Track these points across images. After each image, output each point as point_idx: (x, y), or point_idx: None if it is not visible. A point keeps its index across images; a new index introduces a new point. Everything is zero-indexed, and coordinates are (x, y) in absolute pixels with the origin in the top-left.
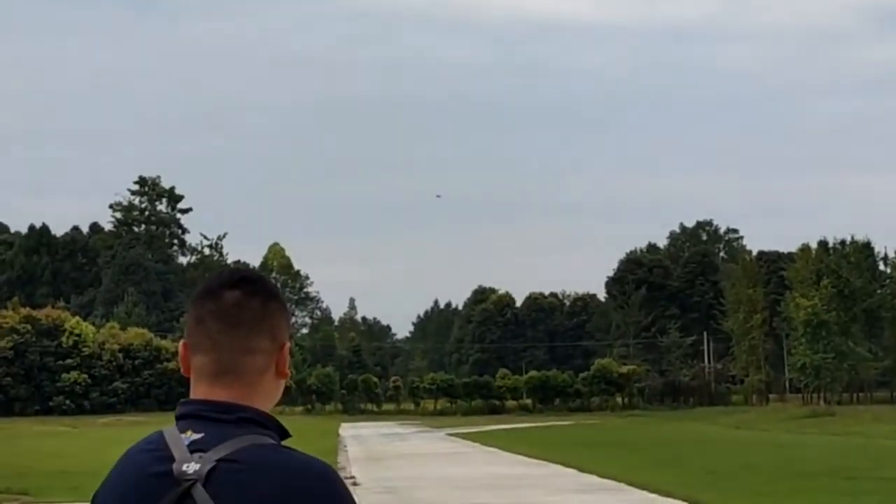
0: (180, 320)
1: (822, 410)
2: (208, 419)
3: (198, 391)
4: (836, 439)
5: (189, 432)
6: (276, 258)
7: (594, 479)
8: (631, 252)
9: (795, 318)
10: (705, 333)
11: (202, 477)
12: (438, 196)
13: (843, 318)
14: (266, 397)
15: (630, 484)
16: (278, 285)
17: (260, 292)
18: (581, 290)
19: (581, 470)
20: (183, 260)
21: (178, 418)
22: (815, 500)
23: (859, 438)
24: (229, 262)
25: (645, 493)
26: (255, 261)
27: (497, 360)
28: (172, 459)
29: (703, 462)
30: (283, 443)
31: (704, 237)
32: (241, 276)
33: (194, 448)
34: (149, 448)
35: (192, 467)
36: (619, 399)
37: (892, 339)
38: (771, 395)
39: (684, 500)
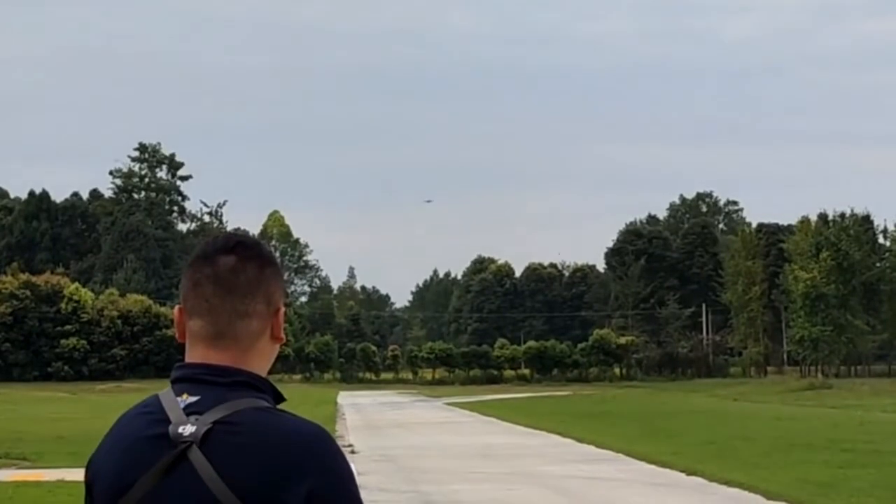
0: (179, 287)
1: (819, 383)
2: (204, 382)
3: (193, 355)
4: (834, 412)
5: (185, 395)
6: (276, 226)
7: (592, 449)
8: (630, 223)
9: (794, 290)
10: (704, 305)
11: (198, 439)
12: (428, 201)
13: (841, 290)
14: (261, 361)
15: (628, 454)
16: (277, 254)
17: (255, 257)
18: (580, 261)
19: (579, 440)
20: (183, 227)
21: (173, 382)
22: (811, 471)
23: (856, 411)
24: (229, 229)
25: (643, 463)
26: (254, 228)
27: (495, 329)
28: (168, 422)
29: (701, 433)
30: (278, 407)
31: (704, 209)
32: (237, 241)
33: (190, 411)
34: (145, 411)
35: (188, 429)
36: (616, 370)
37: (891, 313)
38: (769, 368)
39: (682, 470)
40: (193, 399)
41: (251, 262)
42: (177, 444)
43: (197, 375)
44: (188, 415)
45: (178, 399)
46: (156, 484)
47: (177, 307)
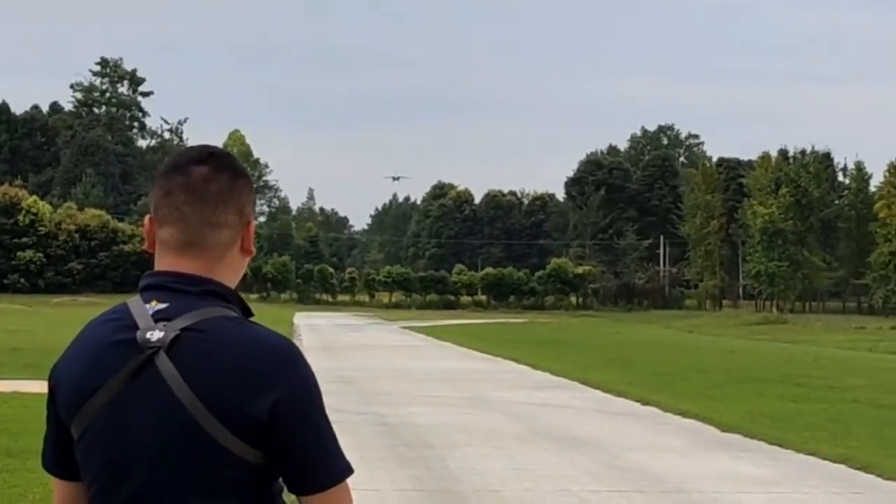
0: (138, 203)
1: (774, 318)
2: (173, 290)
3: (163, 263)
4: (788, 347)
5: (154, 302)
6: (236, 145)
7: (548, 376)
8: (591, 153)
9: (752, 225)
10: (662, 237)
11: (166, 344)
12: (395, 179)
13: (799, 227)
14: (231, 272)
15: (583, 382)
16: None
17: (228, 168)
18: (540, 190)
19: (534, 367)
20: (143, 143)
21: (142, 289)
22: (765, 405)
23: (810, 347)
24: (189, 146)
25: (598, 392)
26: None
27: (453, 255)
28: (136, 328)
29: (656, 364)
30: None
31: (665, 141)
32: (210, 152)
33: (159, 317)
34: (112, 318)
35: (155, 335)
36: (573, 299)
37: (847, 250)
38: (724, 301)
39: (637, 400)
40: (162, 306)
41: (223, 173)
42: (144, 350)
43: (166, 283)
44: (156, 321)
45: (147, 306)
46: (121, 389)
47: (147, 217)
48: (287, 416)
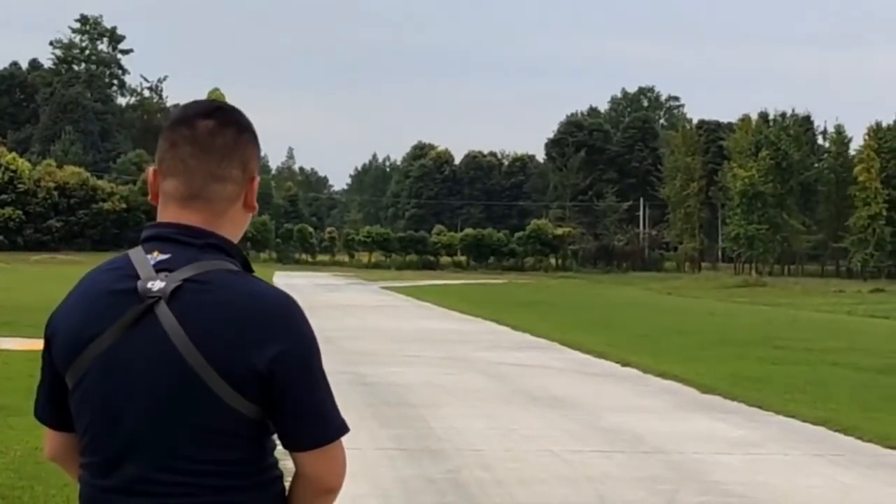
0: (117, 161)
1: (753, 280)
2: (176, 241)
3: (166, 215)
4: (766, 309)
5: (155, 253)
6: None
7: (527, 337)
8: (571, 115)
9: (732, 188)
10: (642, 199)
11: (166, 295)
12: None
13: (778, 190)
14: (233, 227)
15: (563, 343)
16: None
17: (234, 123)
18: (520, 151)
19: (514, 328)
20: (122, 101)
21: (144, 241)
22: (745, 367)
23: (789, 309)
24: (168, 105)
25: (577, 353)
26: None
27: (433, 216)
28: (137, 278)
29: (635, 326)
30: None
31: (645, 103)
32: (217, 106)
33: (160, 268)
34: (113, 268)
35: (156, 285)
36: (552, 260)
37: (826, 214)
38: (703, 264)
39: (617, 361)
40: (164, 257)
41: (229, 127)
42: (144, 299)
43: (169, 234)
44: (158, 272)
45: (149, 256)
46: (119, 337)
47: (151, 169)
48: (285, 369)
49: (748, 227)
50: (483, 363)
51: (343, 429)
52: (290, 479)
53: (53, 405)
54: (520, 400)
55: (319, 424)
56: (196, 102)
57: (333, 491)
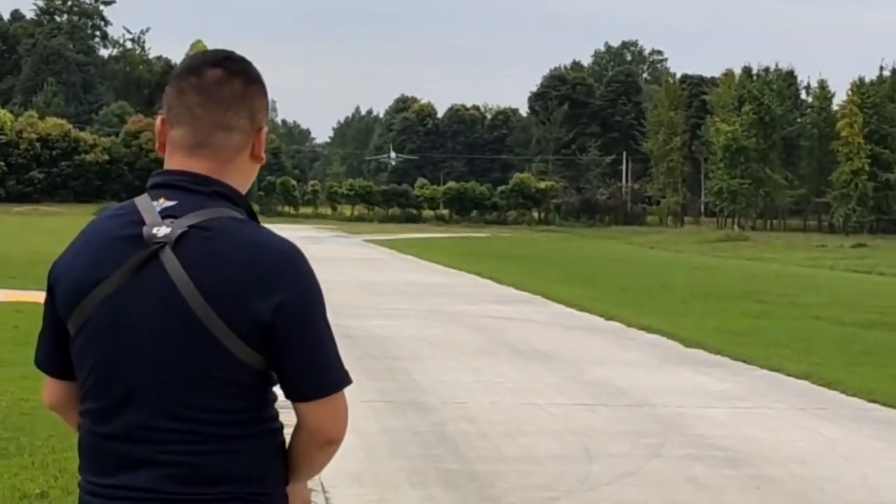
0: (99, 113)
1: (735, 235)
2: (182, 189)
3: (172, 162)
4: (749, 264)
5: (162, 200)
6: None
7: (511, 290)
8: (555, 69)
9: (715, 142)
10: (625, 153)
11: (172, 241)
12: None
13: (761, 144)
14: (240, 177)
15: (546, 297)
16: None
17: (242, 73)
18: (503, 104)
19: (498, 281)
20: (104, 52)
21: (150, 188)
22: (729, 321)
23: (772, 264)
24: (151, 56)
25: (561, 306)
26: (177, 57)
27: (416, 169)
28: (143, 224)
29: (618, 280)
30: None
31: (629, 57)
32: (226, 56)
33: (166, 214)
34: (118, 214)
35: (161, 231)
36: (535, 214)
37: (809, 169)
38: (686, 218)
39: (600, 315)
40: (170, 203)
41: (238, 77)
42: (149, 245)
43: (175, 182)
44: (164, 218)
45: (154, 203)
46: (123, 283)
47: (159, 118)
48: (290, 318)
49: (731, 181)
50: (466, 316)
51: (346, 380)
52: (290, 431)
53: (55, 353)
54: (504, 353)
55: (322, 374)
56: (206, 51)
57: (335, 442)
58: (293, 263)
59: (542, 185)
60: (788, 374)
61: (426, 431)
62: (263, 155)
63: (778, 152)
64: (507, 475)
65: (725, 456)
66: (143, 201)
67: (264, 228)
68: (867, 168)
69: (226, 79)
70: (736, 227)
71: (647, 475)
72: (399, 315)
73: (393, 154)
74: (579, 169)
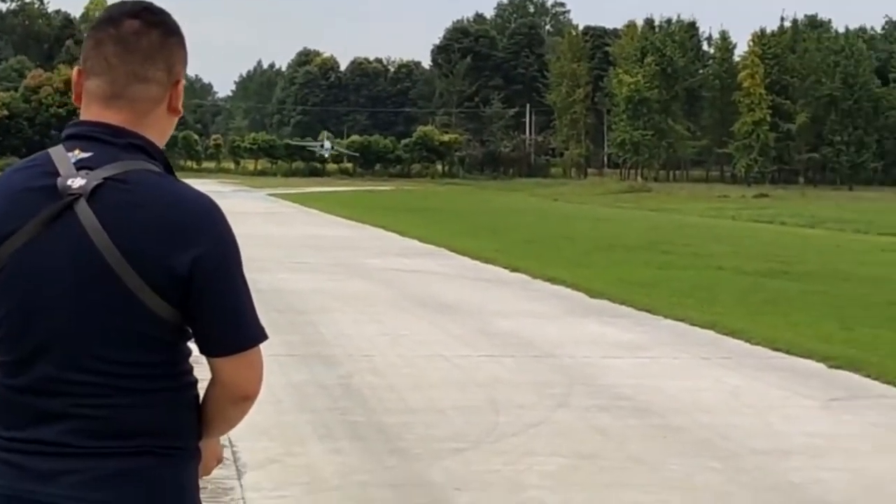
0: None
1: (638, 186)
2: (98, 140)
3: (88, 113)
4: (652, 215)
5: (77, 151)
6: (97, 9)
7: (415, 243)
8: (457, 21)
9: (618, 94)
10: (528, 106)
11: (87, 192)
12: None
13: (664, 96)
14: (156, 130)
15: (451, 249)
16: None
17: (161, 24)
18: (406, 57)
19: (402, 234)
20: (2, 6)
21: (65, 139)
22: (633, 271)
23: (675, 215)
24: (50, 10)
25: (466, 259)
26: (76, 11)
27: (319, 123)
28: (57, 175)
29: (523, 232)
30: None
31: (531, 9)
32: (145, 7)
33: (81, 165)
34: (31, 165)
35: (76, 182)
36: (439, 167)
37: (711, 119)
38: (589, 170)
39: (505, 267)
40: (85, 155)
41: (156, 28)
42: (64, 196)
43: (91, 133)
44: (79, 169)
45: (69, 154)
46: (37, 234)
47: (76, 68)
48: (206, 272)
49: (634, 133)
50: (372, 269)
51: (262, 335)
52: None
53: None
54: (409, 306)
55: (238, 330)
56: (124, 2)
57: (250, 398)
58: (211, 217)
59: (446, 137)
60: (693, 324)
61: (333, 385)
62: (181, 108)
63: (680, 103)
64: (415, 427)
65: (631, 406)
66: (57, 152)
67: (181, 182)
68: (768, 119)
69: (143, 30)
70: (639, 178)
71: (554, 426)
72: (304, 269)
73: (327, 143)
74: (483, 122)
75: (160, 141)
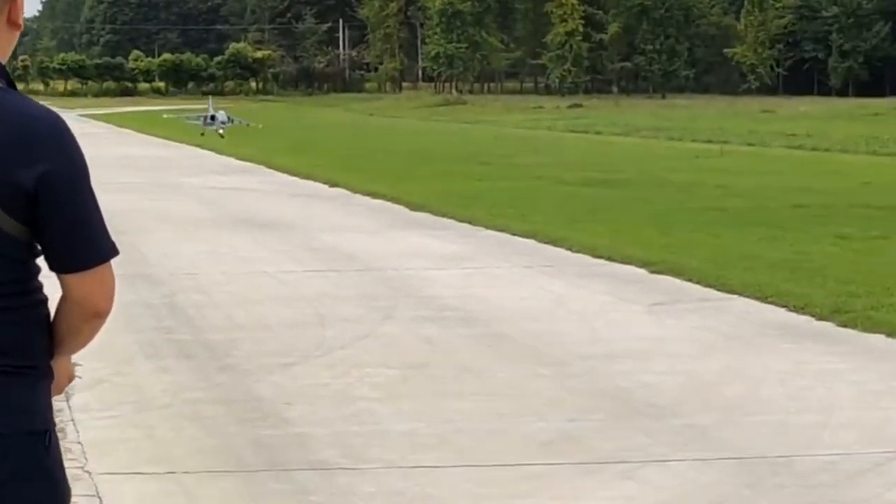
0: None
1: (454, 99)
2: None
3: None
4: (469, 127)
5: None
6: None
7: (232, 160)
8: None
9: (431, 7)
10: (341, 21)
11: None
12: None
13: (477, 8)
14: None
15: (269, 166)
16: None
17: None
18: None
19: (218, 152)
20: None
21: None
22: (452, 184)
23: (491, 127)
24: None
25: (285, 175)
26: None
27: (129, 41)
28: None
29: (340, 147)
30: None
31: None
32: None
33: None
34: None
35: None
36: (253, 84)
37: (524, 31)
38: (404, 84)
39: (325, 182)
40: None
41: None
42: None
43: None
44: None
45: None
46: None
47: None
48: (54, 188)
49: (447, 46)
50: (190, 188)
51: (112, 251)
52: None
53: None
54: (230, 223)
55: (88, 246)
56: None
57: (101, 315)
58: (58, 133)
59: (259, 54)
60: (514, 234)
61: (157, 304)
62: (21, 21)
63: (493, 15)
64: (242, 343)
65: (457, 316)
66: None
67: (28, 98)
68: (581, 29)
69: None
70: (454, 91)
71: (381, 337)
72: (121, 189)
73: (221, 114)
74: (296, 37)
75: (2, 56)
